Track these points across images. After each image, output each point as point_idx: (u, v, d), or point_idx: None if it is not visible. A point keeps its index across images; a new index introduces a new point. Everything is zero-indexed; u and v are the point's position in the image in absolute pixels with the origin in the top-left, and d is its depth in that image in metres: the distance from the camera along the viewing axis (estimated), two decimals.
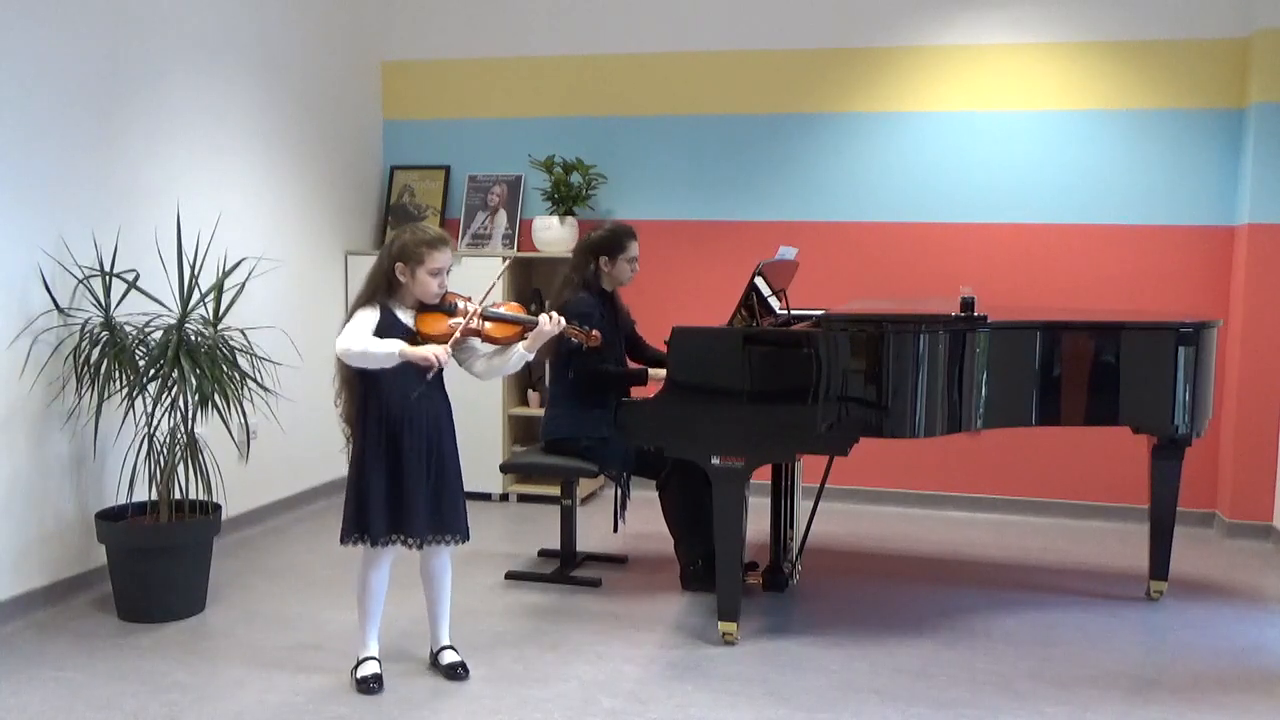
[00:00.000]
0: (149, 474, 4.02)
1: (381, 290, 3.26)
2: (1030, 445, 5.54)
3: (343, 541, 3.31)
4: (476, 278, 3.46)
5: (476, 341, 3.38)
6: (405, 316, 3.29)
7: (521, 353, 3.37)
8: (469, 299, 3.36)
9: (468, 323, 3.27)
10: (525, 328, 3.37)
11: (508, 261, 3.57)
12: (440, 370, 3.21)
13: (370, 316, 3.23)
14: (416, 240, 3.24)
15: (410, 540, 3.30)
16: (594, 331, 3.67)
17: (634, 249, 4.42)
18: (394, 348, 3.14)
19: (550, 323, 3.35)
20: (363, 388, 3.26)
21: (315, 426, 5.35)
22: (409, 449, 3.26)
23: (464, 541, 3.39)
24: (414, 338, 3.25)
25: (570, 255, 5.70)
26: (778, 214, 5.86)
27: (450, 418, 3.39)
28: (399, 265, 3.24)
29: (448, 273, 3.30)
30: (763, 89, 5.84)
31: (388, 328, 3.23)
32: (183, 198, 4.57)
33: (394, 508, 3.27)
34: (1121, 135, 5.44)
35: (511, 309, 3.46)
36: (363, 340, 3.15)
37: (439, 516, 3.32)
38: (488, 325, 3.34)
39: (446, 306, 3.31)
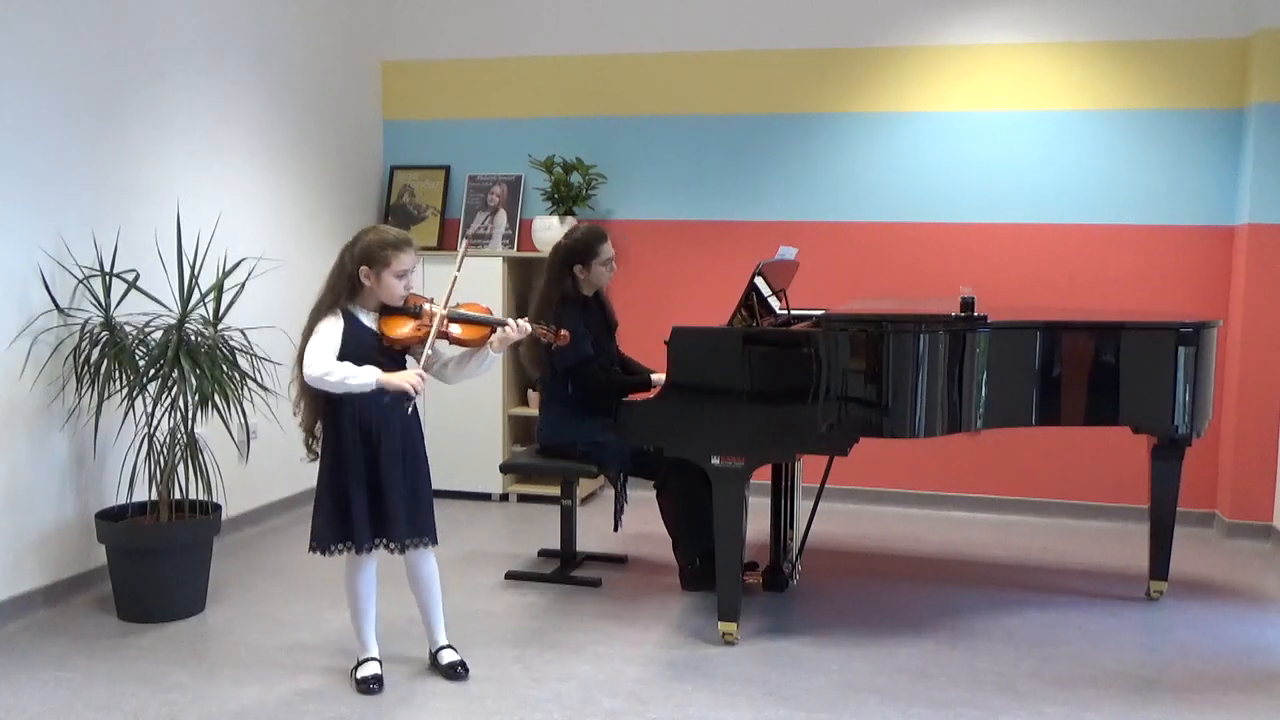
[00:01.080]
0: (149, 474, 4.02)
1: (344, 295, 3.21)
2: (1030, 445, 5.54)
3: (321, 551, 3.27)
4: (476, 277, 3.42)
5: (444, 344, 3.32)
6: (368, 319, 3.25)
7: (492, 355, 3.34)
8: (432, 300, 3.31)
9: (435, 331, 3.21)
10: (493, 328, 3.32)
11: (465, 245, 3.52)
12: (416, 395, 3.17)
13: (334, 328, 3.17)
14: (381, 242, 3.19)
15: (392, 545, 3.29)
16: (562, 331, 3.64)
17: (607, 251, 4.37)
18: (370, 377, 3.10)
19: (516, 329, 3.30)
20: (332, 396, 3.21)
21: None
22: (386, 453, 3.24)
23: (434, 544, 3.38)
24: (379, 341, 3.23)
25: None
26: (778, 214, 5.86)
27: (419, 420, 3.37)
28: (364, 269, 3.19)
29: (412, 274, 3.26)
30: (763, 89, 5.84)
31: (353, 335, 3.19)
32: (183, 198, 4.57)
33: (375, 513, 3.25)
34: (1121, 135, 5.43)
35: (477, 310, 3.39)
36: (338, 368, 3.09)
37: (415, 519, 3.31)
38: (455, 329, 3.28)
39: (411, 309, 3.26)
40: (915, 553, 5.00)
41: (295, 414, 3.31)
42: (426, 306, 3.28)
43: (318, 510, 3.29)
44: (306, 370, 3.11)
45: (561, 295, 4.31)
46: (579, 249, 4.35)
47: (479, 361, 3.36)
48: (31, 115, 3.91)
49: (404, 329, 3.23)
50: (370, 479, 3.25)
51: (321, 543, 3.28)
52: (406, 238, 3.25)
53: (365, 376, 3.10)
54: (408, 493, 3.29)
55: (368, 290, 3.23)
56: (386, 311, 3.27)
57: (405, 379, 3.12)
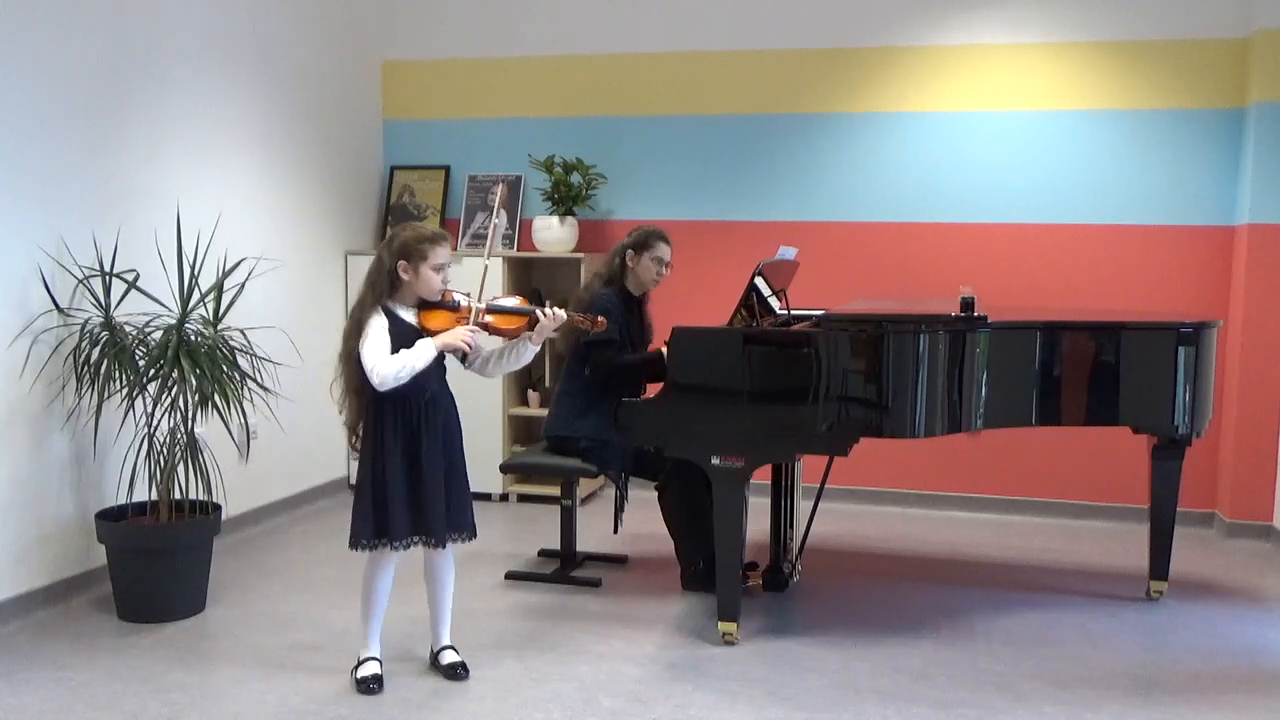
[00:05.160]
0: (149, 474, 4.02)
1: (384, 291, 3.25)
2: (1030, 445, 5.54)
3: (357, 547, 3.28)
4: (477, 276, 3.45)
5: (482, 336, 3.38)
6: (408, 315, 3.29)
7: (530, 347, 3.39)
8: (468, 294, 3.37)
9: (476, 317, 3.28)
10: (530, 319, 3.37)
11: (489, 254, 3.57)
12: (467, 354, 3.27)
13: (382, 326, 3.22)
14: (418, 237, 3.24)
15: (430, 540, 3.30)
16: (599, 318, 3.66)
17: (661, 250, 4.41)
18: (428, 348, 3.18)
19: (553, 317, 3.36)
20: (375, 393, 3.24)
21: (315, 426, 5.35)
22: (426, 450, 3.27)
23: (473, 538, 3.41)
24: (419, 335, 3.26)
25: (569, 255, 5.80)
26: (778, 214, 5.86)
27: (458, 416, 3.41)
28: (402, 263, 3.23)
29: (448, 268, 3.30)
30: (763, 89, 5.84)
31: (395, 332, 3.23)
32: (183, 198, 4.57)
33: (415, 509, 3.27)
34: (1121, 135, 5.43)
35: (513, 301, 3.47)
36: (397, 360, 3.15)
37: (451, 515, 3.34)
38: (492, 319, 3.34)
39: (449, 303, 3.32)
40: (915, 553, 5.00)
41: (340, 411, 3.34)
42: (464, 300, 3.33)
43: (358, 507, 3.31)
44: (377, 377, 3.14)
45: (609, 277, 4.38)
46: (636, 238, 4.43)
47: (518, 353, 3.41)
48: (32, 116, 3.91)
49: (443, 323, 3.29)
50: (410, 477, 3.27)
51: (360, 538, 3.29)
52: (442, 233, 3.30)
53: (425, 352, 3.18)
54: (447, 489, 3.31)
55: (406, 286, 3.26)
56: (425, 306, 3.32)
57: (458, 335, 3.22)
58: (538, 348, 3.41)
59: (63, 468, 4.07)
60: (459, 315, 3.30)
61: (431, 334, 3.27)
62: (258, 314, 4.72)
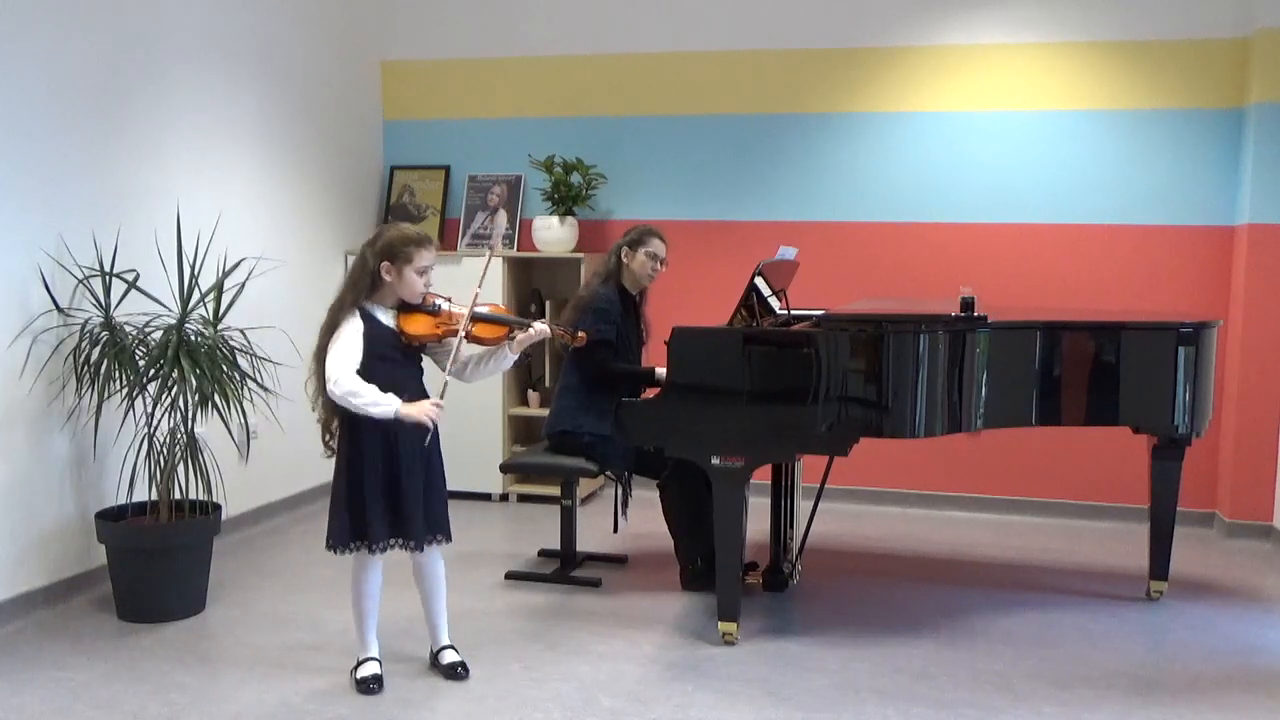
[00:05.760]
0: (149, 474, 4.02)
1: (364, 291, 3.22)
2: (1030, 445, 5.54)
3: (335, 550, 3.27)
4: (477, 277, 3.44)
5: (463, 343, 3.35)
6: (386, 317, 3.26)
7: (510, 356, 3.37)
8: (449, 299, 3.34)
9: (461, 331, 3.25)
10: (512, 329, 3.36)
11: (490, 255, 3.55)
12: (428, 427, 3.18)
13: (356, 331, 3.17)
14: (404, 238, 3.21)
15: (410, 544, 3.30)
16: (580, 333, 3.68)
17: (655, 245, 4.44)
18: (391, 407, 3.10)
19: (535, 331, 3.35)
20: None
21: (315, 427, 5.32)
22: (405, 455, 3.25)
23: (448, 541, 3.39)
24: (398, 338, 3.24)
25: (569, 255, 5.80)
26: (778, 214, 5.86)
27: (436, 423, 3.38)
28: (385, 264, 3.20)
29: (431, 271, 3.27)
30: (763, 89, 5.84)
31: (373, 335, 3.19)
32: (183, 198, 4.57)
33: (393, 513, 3.26)
34: (1121, 135, 5.43)
35: (496, 310, 3.43)
36: (365, 391, 3.09)
37: (430, 518, 3.32)
38: (474, 327, 3.31)
39: (429, 307, 3.29)
40: (915, 553, 5.00)
41: (314, 409, 3.31)
42: (444, 305, 3.31)
43: (334, 509, 3.29)
44: (333, 387, 3.11)
45: (606, 275, 4.42)
46: (632, 236, 4.47)
47: (498, 361, 3.40)
48: (32, 115, 3.91)
49: (423, 327, 3.26)
50: (388, 480, 3.25)
51: (338, 542, 3.27)
52: (427, 235, 3.27)
53: (386, 407, 3.11)
54: (425, 492, 3.30)
55: (387, 287, 3.24)
56: (405, 309, 3.29)
57: (423, 410, 3.13)
58: (516, 356, 3.39)
59: (63, 468, 4.07)
60: (439, 320, 3.27)
61: (409, 337, 3.25)
62: (258, 314, 4.72)
